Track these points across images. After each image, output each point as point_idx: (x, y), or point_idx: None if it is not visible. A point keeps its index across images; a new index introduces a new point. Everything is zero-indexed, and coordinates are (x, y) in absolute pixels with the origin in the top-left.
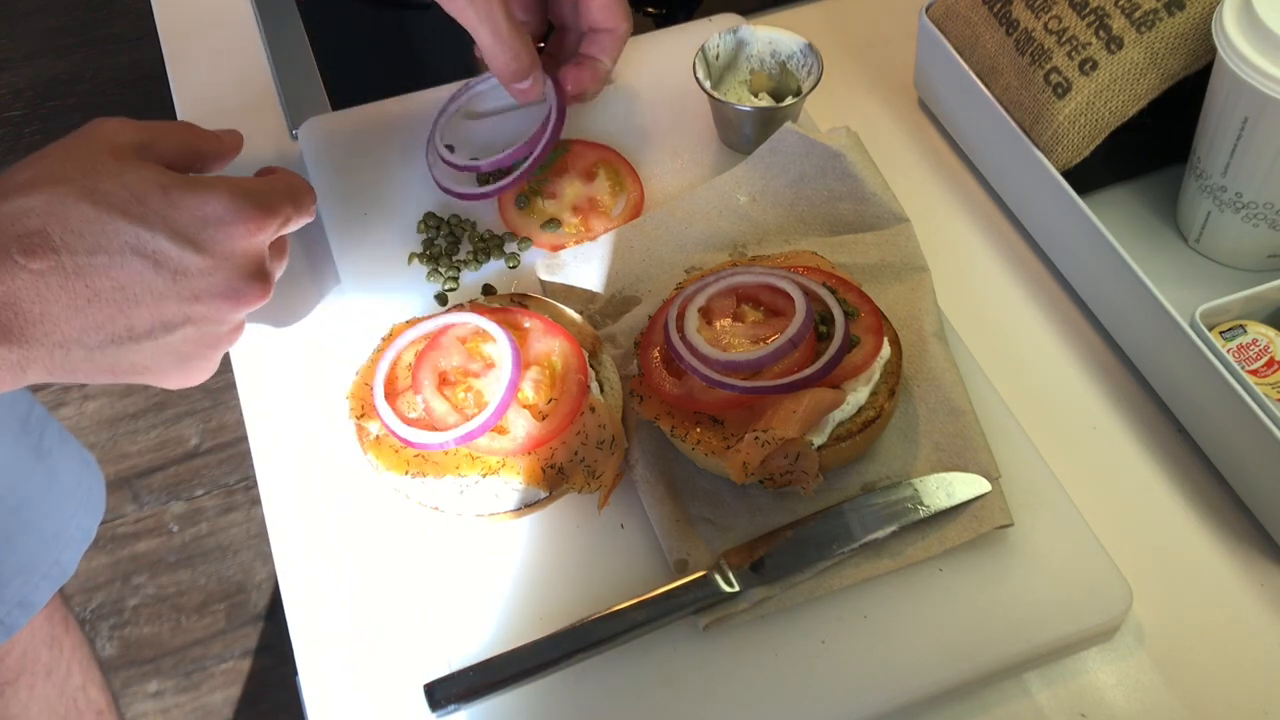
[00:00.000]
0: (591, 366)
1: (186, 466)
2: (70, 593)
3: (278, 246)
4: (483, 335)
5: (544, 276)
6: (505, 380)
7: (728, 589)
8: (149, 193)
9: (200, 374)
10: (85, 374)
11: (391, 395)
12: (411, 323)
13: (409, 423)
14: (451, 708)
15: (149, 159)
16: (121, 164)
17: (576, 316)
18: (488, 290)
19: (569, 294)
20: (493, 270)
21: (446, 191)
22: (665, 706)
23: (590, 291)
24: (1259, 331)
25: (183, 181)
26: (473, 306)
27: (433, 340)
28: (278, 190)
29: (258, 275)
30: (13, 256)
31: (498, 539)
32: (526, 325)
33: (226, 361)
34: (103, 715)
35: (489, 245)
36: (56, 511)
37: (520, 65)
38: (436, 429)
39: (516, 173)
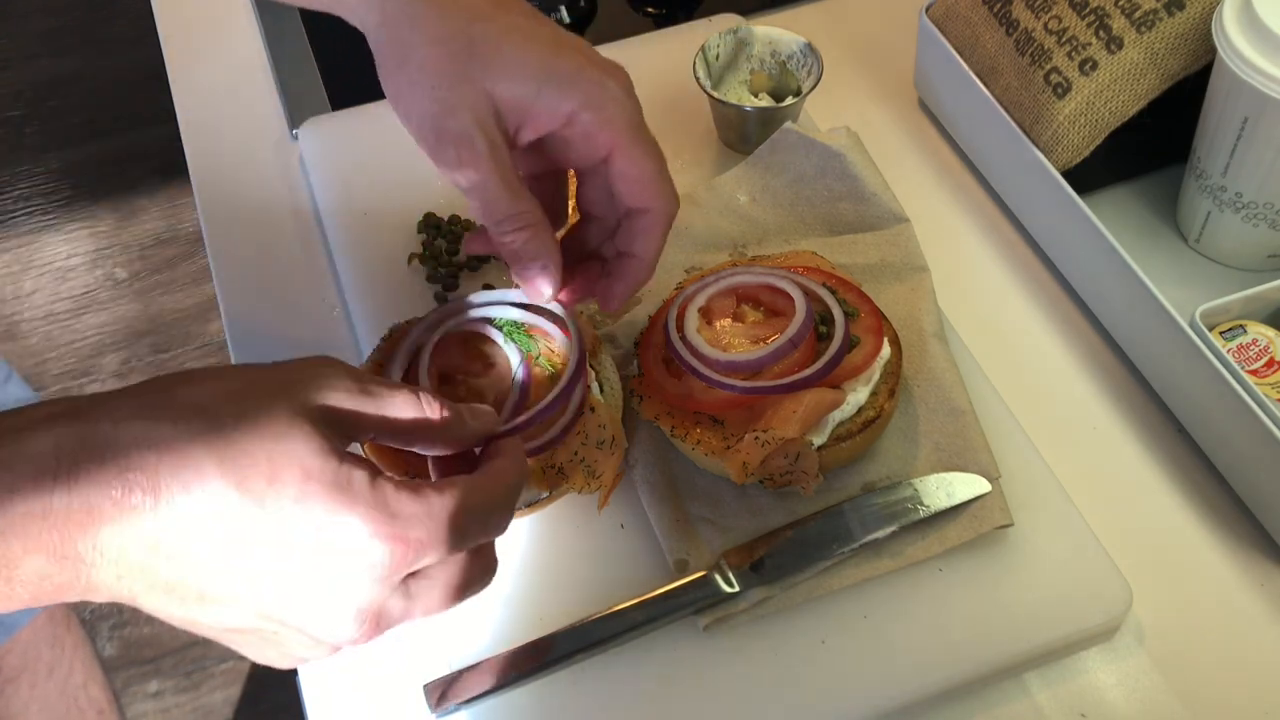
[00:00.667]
0: (591, 366)
1: None
2: None
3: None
4: (482, 336)
5: None
6: (513, 398)
7: (728, 589)
8: (285, 479)
9: (280, 664)
10: (155, 614)
11: None
12: (412, 323)
13: None
14: (451, 708)
15: (339, 431)
16: (286, 433)
17: (577, 316)
18: (487, 290)
19: None
20: (493, 270)
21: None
22: (665, 706)
23: None
24: (1259, 331)
25: (330, 479)
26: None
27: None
28: (440, 516)
29: (360, 615)
30: (109, 488)
31: (498, 539)
32: (527, 325)
33: (226, 361)
34: (103, 714)
35: None
36: None
37: (530, 227)
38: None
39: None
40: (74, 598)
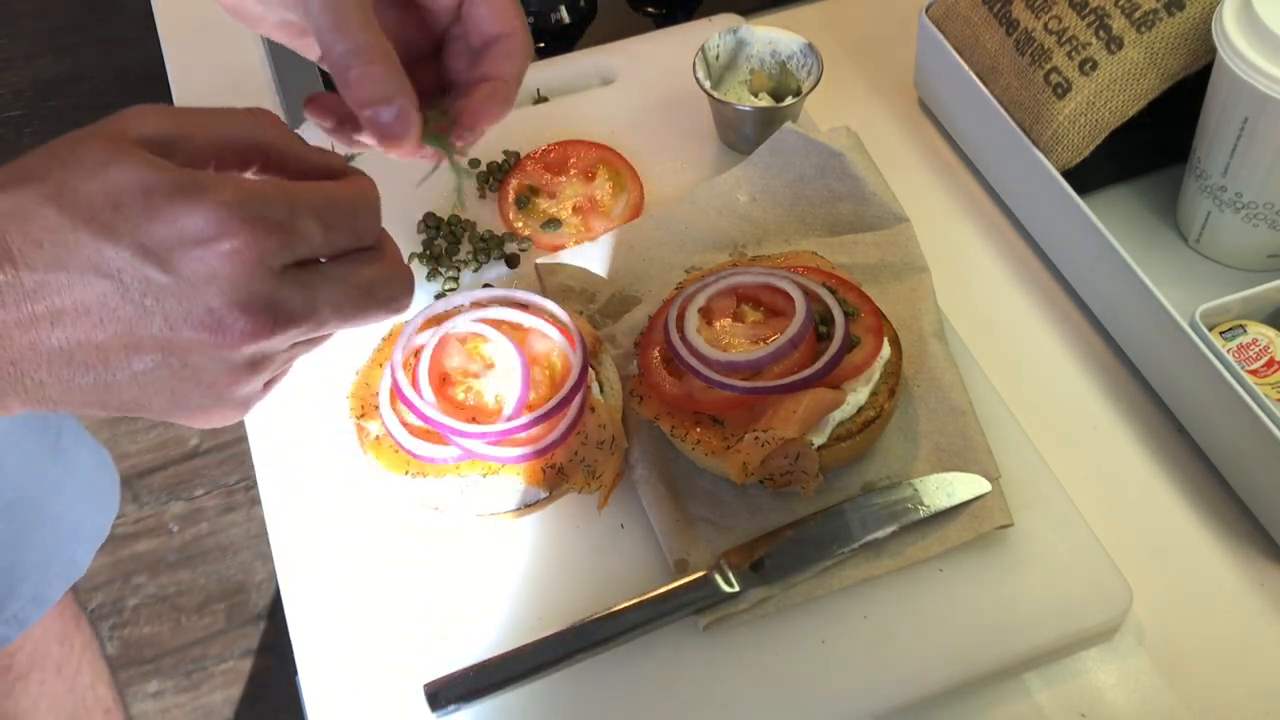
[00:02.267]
0: (591, 366)
1: (186, 466)
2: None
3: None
4: (482, 336)
5: (544, 276)
6: (515, 399)
7: (728, 589)
8: (126, 198)
9: (210, 417)
10: (71, 405)
11: (396, 402)
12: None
13: (414, 432)
14: (452, 708)
15: (170, 155)
16: (112, 159)
17: (577, 316)
18: (487, 289)
19: (569, 294)
20: (493, 270)
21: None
22: (665, 706)
23: (590, 291)
24: (1259, 331)
25: (171, 184)
26: (474, 305)
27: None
28: (302, 201)
29: (250, 306)
30: None
31: (498, 539)
32: (527, 325)
33: None
34: (110, 714)
35: (489, 245)
36: (71, 509)
37: (373, 67)
38: (442, 438)
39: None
40: None
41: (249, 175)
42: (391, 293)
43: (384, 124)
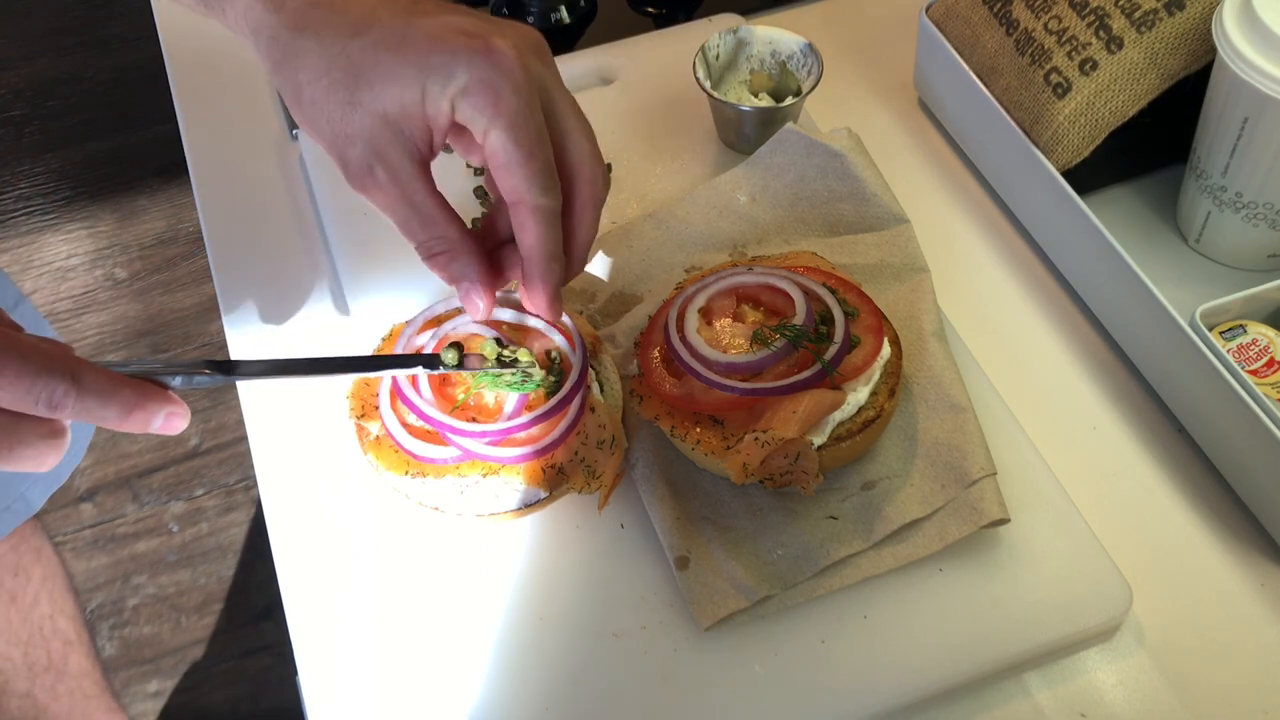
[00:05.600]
0: (591, 366)
1: (186, 466)
2: None
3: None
4: (481, 337)
5: None
6: (515, 399)
7: None
8: None
9: None
10: None
11: (396, 402)
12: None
13: (414, 432)
14: None
15: None
16: None
17: (577, 316)
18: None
19: (569, 294)
20: None
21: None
22: (665, 706)
23: (590, 291)
24: (1259, 331)
25: None
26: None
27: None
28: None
29: None
30: None
31: (498, 539)
32: (526, 325)
33: None
34: (71, 645)
35: None
36: None
37: (445, 252)
38: (442, 438)
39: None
40: None
41: None
42: (37, 455)
43: (462, 298)
